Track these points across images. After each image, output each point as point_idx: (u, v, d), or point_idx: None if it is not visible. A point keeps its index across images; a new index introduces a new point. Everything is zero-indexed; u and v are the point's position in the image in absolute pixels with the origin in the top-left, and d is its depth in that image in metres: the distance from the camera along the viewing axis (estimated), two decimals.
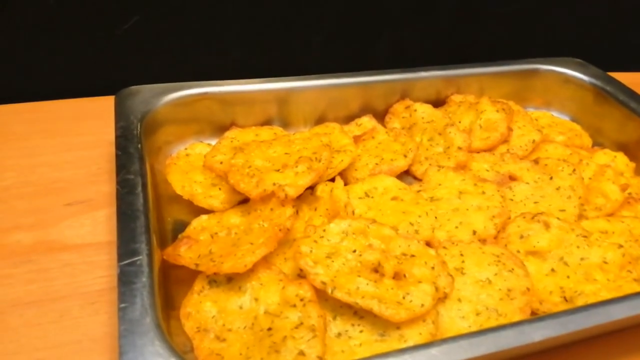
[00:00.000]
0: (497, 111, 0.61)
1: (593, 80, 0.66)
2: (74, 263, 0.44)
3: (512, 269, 0.44)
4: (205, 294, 0.41)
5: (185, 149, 0.56)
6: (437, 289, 0.40)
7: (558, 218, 0.49)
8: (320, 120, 0.62)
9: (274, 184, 0.46)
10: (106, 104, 0.53)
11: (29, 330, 0.38)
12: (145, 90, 0.54)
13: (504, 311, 0.41)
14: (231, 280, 0.41)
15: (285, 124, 0.61)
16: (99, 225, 0.48)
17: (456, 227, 0.49)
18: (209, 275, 0.41)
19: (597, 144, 0.65)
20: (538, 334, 0.35)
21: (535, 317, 0.37)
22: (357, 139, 0.59)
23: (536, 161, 0.56)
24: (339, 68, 0.63)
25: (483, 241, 0.47)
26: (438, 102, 0.66)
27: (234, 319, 0.39)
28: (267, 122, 0.60)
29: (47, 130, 0.58)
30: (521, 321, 0.36)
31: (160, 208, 0.49)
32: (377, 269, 0.42)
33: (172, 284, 0.43)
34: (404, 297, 0.39)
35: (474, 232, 0.48)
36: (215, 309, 0.40)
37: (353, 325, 0.40)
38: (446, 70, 0.66)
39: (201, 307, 0.40)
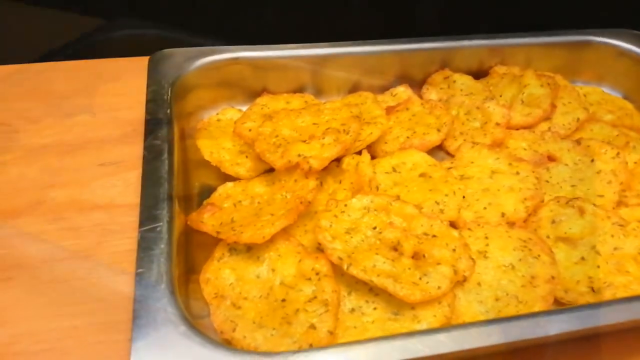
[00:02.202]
0: (542, 85, 0.58)
1: None
2: (104, 223, 0.46)
3: (539, 255, 0.42)
4: (225, 261, 0.42)
5: (217, 114, 0.56)
6: (456, 271, 0.40)
7: (594, 204, 0.46)
8: (354, 89, 0.61)
9: (299, 155, 0.46)
10: (143, 64, 0.54)
11: (59, 285, 0.41)
12: (178, 53, 0.54)
13: (525, 299, 0.40)
14: (250, 250, 0.42)
15: (318, 92, 0.60)
16: (129, 187, 0.50)
17: (484, 208, 0.47)
18: (230, 244, 0.42)
19: None
20: (554, 327, 0.34)
21: (554, 310, 0.36)
22: (390, 110, 0.58)
23: (578, 142, 0.53)
24: (377, 34, 0.61)
25: (512, 224, 0.46)
26: (480, 74, 0.63)
27: (250, 288, 0.40)
28: (300, 90, 0.59)
29: (85, 90, 0.60)
30: (538, 312, 0.35)
31: (188, 172, 0.50)
32: (396, 248, 0.42)
33: (195, 248, 0.44)
34: (420, 278, 0.39)
35: (503, 215, 0.46)
36: (234, 276, 0.41)
37: (367, 302, 0.40)
38: (490, 40, 0.63)
39: (220, 274, 0.41)
